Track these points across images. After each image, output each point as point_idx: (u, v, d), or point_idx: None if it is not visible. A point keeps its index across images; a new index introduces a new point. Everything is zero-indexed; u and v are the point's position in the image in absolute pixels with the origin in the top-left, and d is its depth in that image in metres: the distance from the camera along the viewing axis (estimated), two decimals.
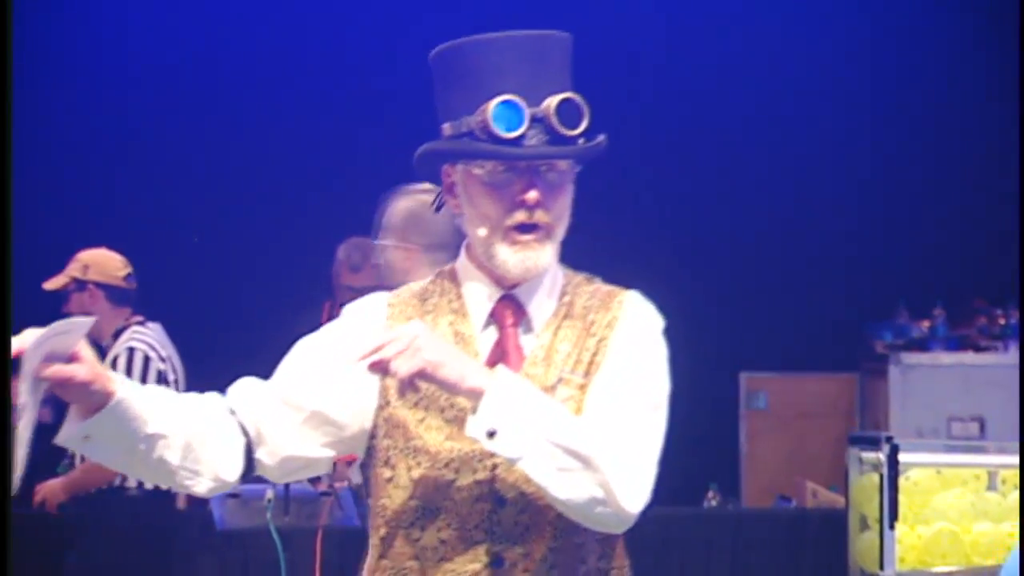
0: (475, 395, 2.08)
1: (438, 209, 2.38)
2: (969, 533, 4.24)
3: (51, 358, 1.95)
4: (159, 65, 7.33)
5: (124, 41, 7.31)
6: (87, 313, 5.05)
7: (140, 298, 5.23)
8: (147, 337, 5.08)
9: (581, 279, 2.35)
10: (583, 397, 2.21)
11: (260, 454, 2.23)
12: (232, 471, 2.20)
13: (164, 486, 2.24)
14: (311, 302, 5.94)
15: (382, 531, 2.25)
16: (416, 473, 2.21)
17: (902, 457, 4.13)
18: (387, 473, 2.24)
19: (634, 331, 2.27)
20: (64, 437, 2.06)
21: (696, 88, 7.50)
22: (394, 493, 2.23)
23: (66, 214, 6.82)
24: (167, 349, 5.11)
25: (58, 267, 5.22)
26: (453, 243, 3.87)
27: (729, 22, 7.52)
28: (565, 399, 2.21)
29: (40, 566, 5.24)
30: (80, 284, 5.10)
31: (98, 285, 5.09)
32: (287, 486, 4.85)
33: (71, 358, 1.98)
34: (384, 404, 2.24)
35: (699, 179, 7.54)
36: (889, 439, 4.16)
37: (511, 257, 2.23)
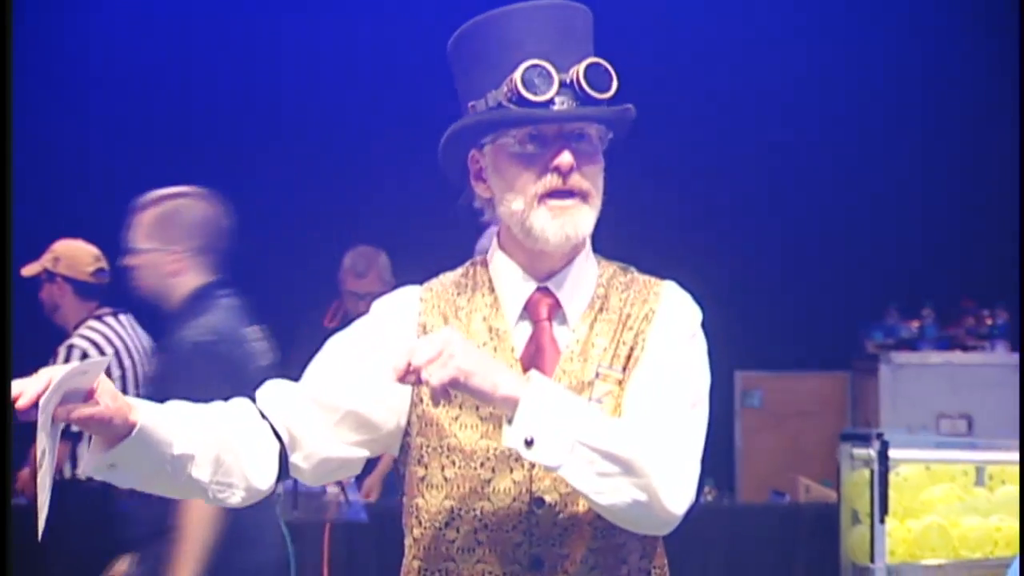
0: (509, 404, 1.97)
1: (463, 203, 2.26)
2: (957, 527, 4.24)
3: (68, 400, 1.89)
4: (154, 62, 7.31)
5: (118, 38, 7.27)
6: (55, 303, 5.10)
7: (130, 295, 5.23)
8: (95, 333, 5.03)
9: (616, 269, 2.25)
10: (621, 392, 2.13)
11: (295, 458, 2.14)
12: (265, 479, 2.12)
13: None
14: (315, 302, 6.04)
15: (416, 531, 2.18)
16: (450, 472, 2.14)
17: (892, 453, 4.11)
18: (420, 472, 2.17)
19: (671, 325, 2.18)
20: (88, 467, 2.00)
21: (691, 89, 7.47)
22: (427, 492, 2.16)
23: (66, 210, 6.82)
24: (117, 343, 5.02)
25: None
26: (215, 245, 3.84)
27: (718, 33, 7.56)
28: (603, 394, 2.13)
29: (18, 559, 5.23)
30: (50, 275, 5.10)
31: (66, 279, 5.08)
32: (295, 481, 4.81)
33: (88, 396, 1.91)
34: (418, 401, 2.16)
35: (693, 180, 7.50)
36: (880, 436, 4.13)
37: (549, 224, 2.12)
